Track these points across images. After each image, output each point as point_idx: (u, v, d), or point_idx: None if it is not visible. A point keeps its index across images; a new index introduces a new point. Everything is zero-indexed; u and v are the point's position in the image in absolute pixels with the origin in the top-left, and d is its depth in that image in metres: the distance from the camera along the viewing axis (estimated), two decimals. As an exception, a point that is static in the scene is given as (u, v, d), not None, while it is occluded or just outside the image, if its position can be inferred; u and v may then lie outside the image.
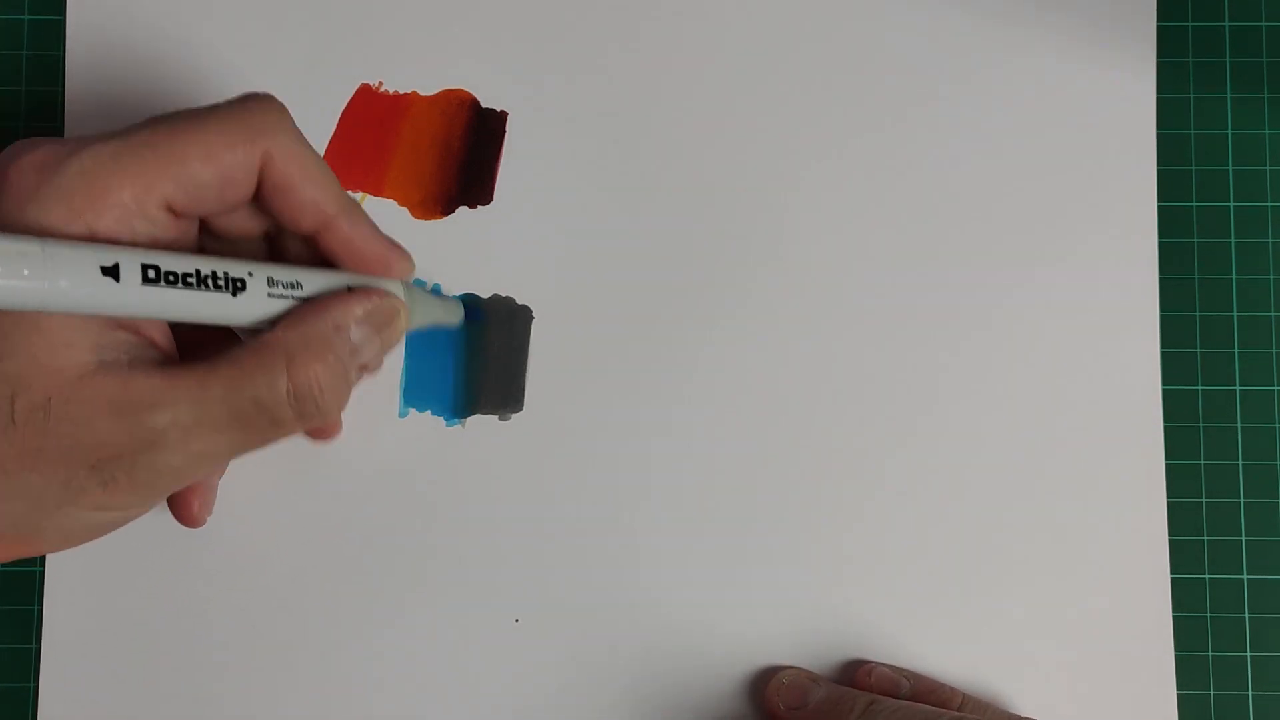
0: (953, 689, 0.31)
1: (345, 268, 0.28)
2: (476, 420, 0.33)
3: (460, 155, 0.34)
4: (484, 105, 0.34)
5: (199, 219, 0.27)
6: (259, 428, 0.25)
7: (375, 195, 0.34)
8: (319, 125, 0.34)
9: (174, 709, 0.32)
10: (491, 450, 0.33)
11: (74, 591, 0.33)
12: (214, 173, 0.25)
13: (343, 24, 0.34)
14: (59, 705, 0.32)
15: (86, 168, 0.23)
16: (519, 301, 0.34)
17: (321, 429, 0.32)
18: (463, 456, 0.33)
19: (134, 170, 0.24)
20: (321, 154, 0.34)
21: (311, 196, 0.27)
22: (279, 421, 0.26)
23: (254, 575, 0.33)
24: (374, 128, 0.34)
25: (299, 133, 0.27)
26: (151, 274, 0.24)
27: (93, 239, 0.23)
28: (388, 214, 0.34)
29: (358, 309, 0.27)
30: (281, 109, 0.26)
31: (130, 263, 0.24)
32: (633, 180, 0.34)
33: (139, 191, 0.24)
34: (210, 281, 0.25)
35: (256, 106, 0.26)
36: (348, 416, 0.33)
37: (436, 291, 0.33)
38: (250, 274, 0.26)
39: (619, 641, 0.33)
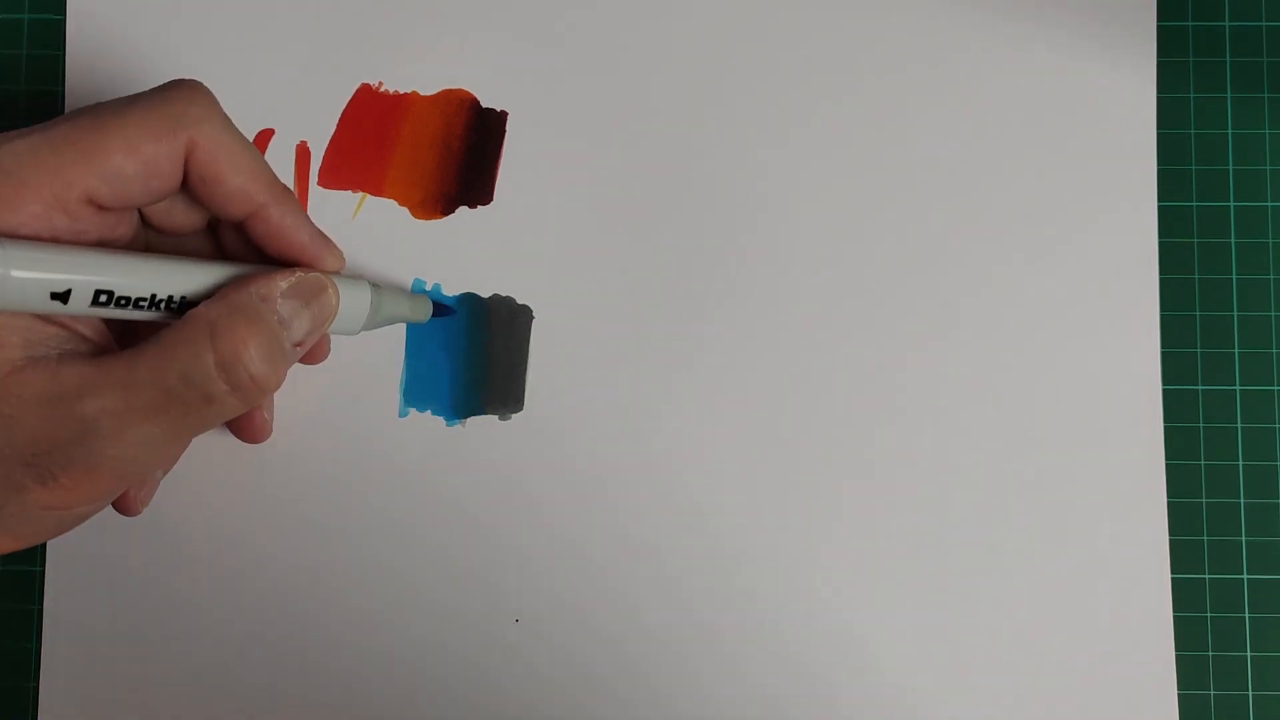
0: None
1: (275, 255, 0.28)
2: (476, 420, 0.33)
3: (460, 155, 0.34)
4: (484, 105, 0.34)
5: (134, 210, 0.27)
6: (193, 406, 0.25)
7: (375, 195, 0.34)
8: (319, 125, 0.34)
9: (174, 709, 0.32)
10: (491, 450, 0.33)
11: (74, 591, 0.33)
12: (137, 165, 0.25)
13: (343, 24, 0.34)
14: (59, 705, 0.32)
15: (5, 165, 0.23)
16: (519, 301, 0.34)
17: (250, 427, 0.31)
18: (463, 456, 0.33)
19: (53, 166, 0.24)
20: (322, 154, 0.34)
21: (239, 185, 0.26)
22: (211, 396, 0.25)
23: (254, 575, 0.33)
24: (374, 128, 0.34)
25: (226, 119, 0.26)
26: (103, 299, 0.24)
27: (13, 236, 0.23)
28: (388, 214, 0.34)
29: (281, 282, 0.27)
30: (207, 95, 0.26)
31: (83, 289, 0.24)
32: (633, 180, 0.34)
33: (59, 188, 0.24)
34: (163, 305, 0.25)
35: (180, 95, 0.26)
36: (348, 417, 0.33)
37: (437, 291, 0.33)
38: (206, 297, 0.26)
39: (619, 642, 0.33)
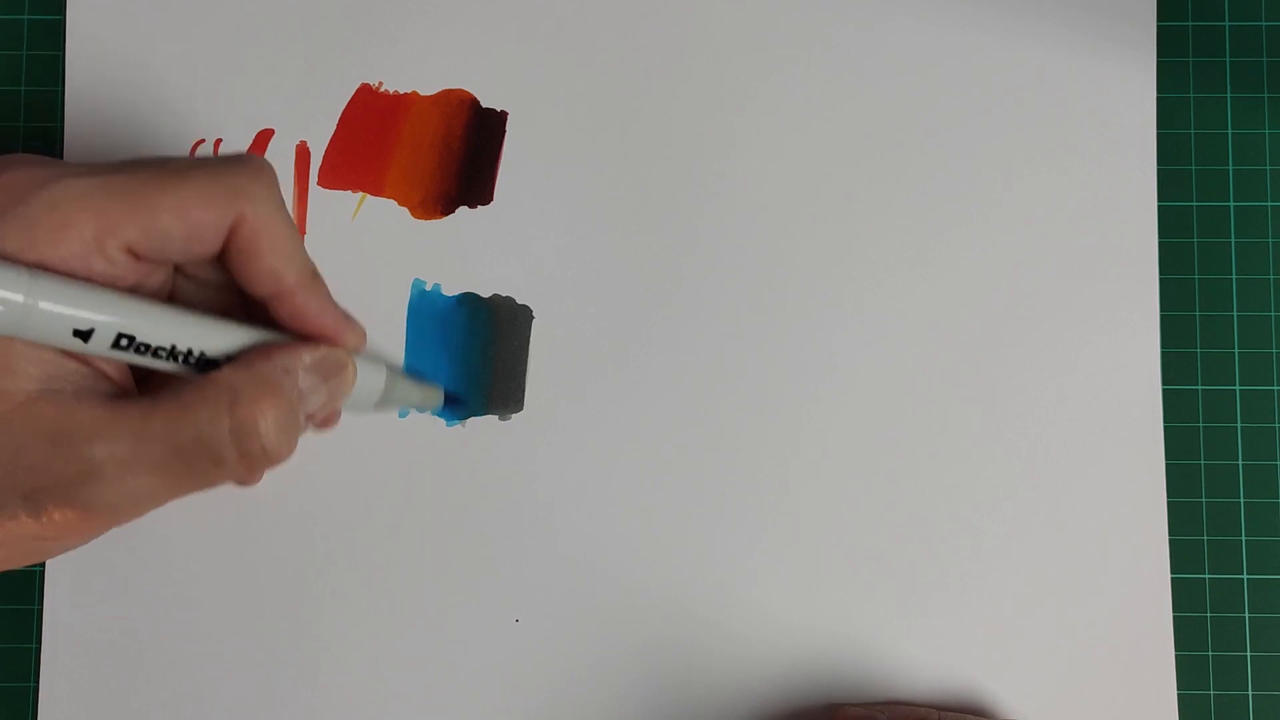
0: (928, 708, 0.31)
1: (294, 332, 0.28)
2: (476, 420, 0.33)
3: (460, 155, 0.34)
4: (484, 105, 0.34)
5: (171, 263, 0.27)
6: (200, 467, 0.25)
7: (375, 195, 0.34)
8: (319, 125, 0.34)
9: (174, 709, 0.32)
10: (491, 450, 0.33)
11: (74, 591, 0.33)
12: (183, 228, 0.25)
13: (343, 24, 0.34)
14: (59, 705, 0.32)
15: (55, 200, 0.23)
16: (519, 301, 0.34)
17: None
18: (463, 456, 0.33)
19: (101, 211, 0.24)
20: (322, 154, 0.34)
21: (271, 266, 0.26)
22: (220, 461, 0.25)
23: (253, 575, 0.33)
24: (374, 128, 0.34)
25: (280, 201, 0.26)
26: (124, 343, 0.24)
27: (42, 268, 0.23)
28: (388, 214, 0.34)
29: (305, 356, 0.27)
30: (269, 174, 0.26)
31: (105, 330, 0.24)
32: (633, 180, 0.34)
33: (101, 233, 0.24)
34: (182, 359, 0.25)
35: (244, 170, 0.26)
36: (348, 417, 0.33)
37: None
38: (227, 357, 0.26)
39: (619, 642, 0.33)
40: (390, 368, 0.30)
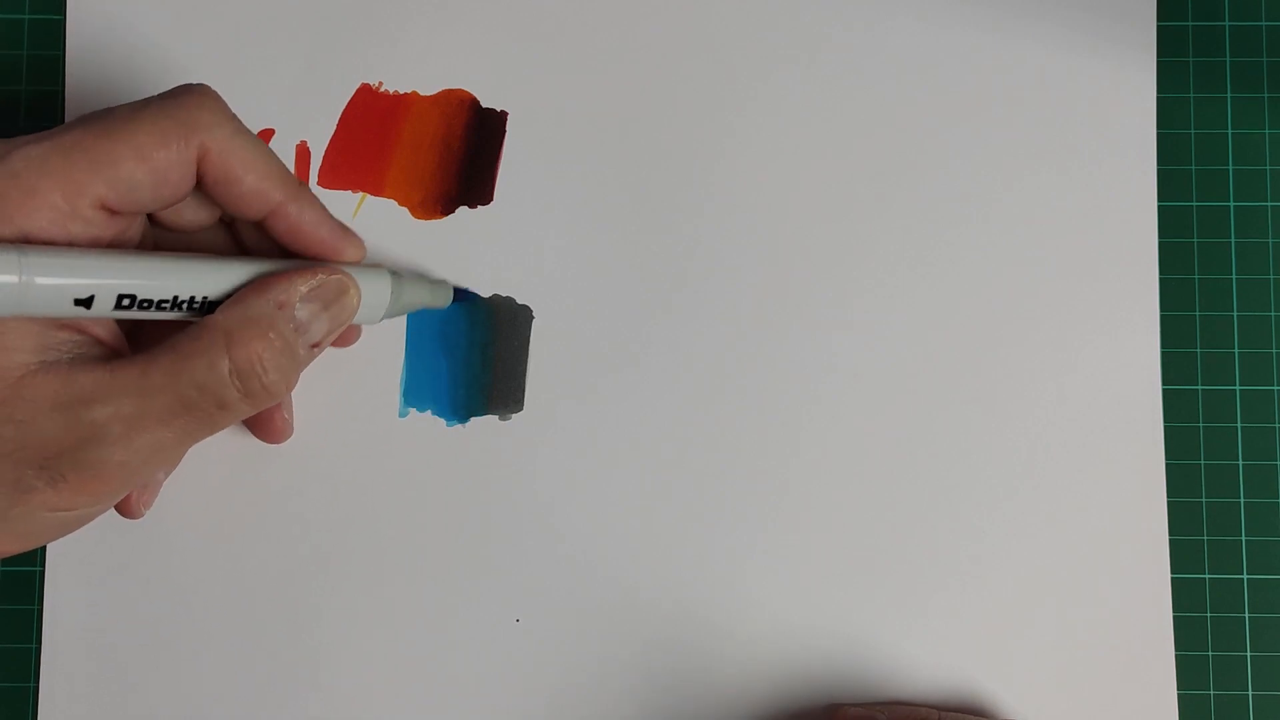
0: (928, 708, 0.31)
1: (294, 251, 0.28)
2: (476, 420, 0.33)
3: (460, 155, 0.34)
4: (484, 105, 0.34)
5: (144, 214, 0.27)
6: (205, 412, 0.25)
7: (375, 195, 0.34)
8: (319, 125, 0.34)
9: (174, 709, 0.32)
10: (491, 450, 0.33)
11: (74, 591, 0.33)
12: (147, 171, 0.25)
13: (343, 24, 0.34)
14: (59, 705, 0.32)
15: (16, 170, 0.24)
16: (519, 301, 0.34)
17: (271, 428, 0.32)
18: (463, 456, 0.33)
19: (64, 173, 0.24)
20: (322, 154, 0.34)
21: (255, 186, 0.27)
22: (224, 404, 0.25)
23: (254, 575, 0.33)
24: (374, 128, 0.34)
25: (236, 122, 0.26)
26: (126, 302, 0.24)
27: (26, 241, 0.23)
28: (388, 214, 0.34)
29: (301, 285, 0.27)
30: (215, 100, 0.26)
31: (105, 293, 0.24)
32: (633, 180, 0.34)
33: (70, 194, 0.24)
34: (185, 305, 0.25)
35: (189, 100, 0.26)
36: (348, 417, 0.33)
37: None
38: (229, 296, 0.26)
39: (619, 642, 0.33)
40: (395, 273, 0.30)
